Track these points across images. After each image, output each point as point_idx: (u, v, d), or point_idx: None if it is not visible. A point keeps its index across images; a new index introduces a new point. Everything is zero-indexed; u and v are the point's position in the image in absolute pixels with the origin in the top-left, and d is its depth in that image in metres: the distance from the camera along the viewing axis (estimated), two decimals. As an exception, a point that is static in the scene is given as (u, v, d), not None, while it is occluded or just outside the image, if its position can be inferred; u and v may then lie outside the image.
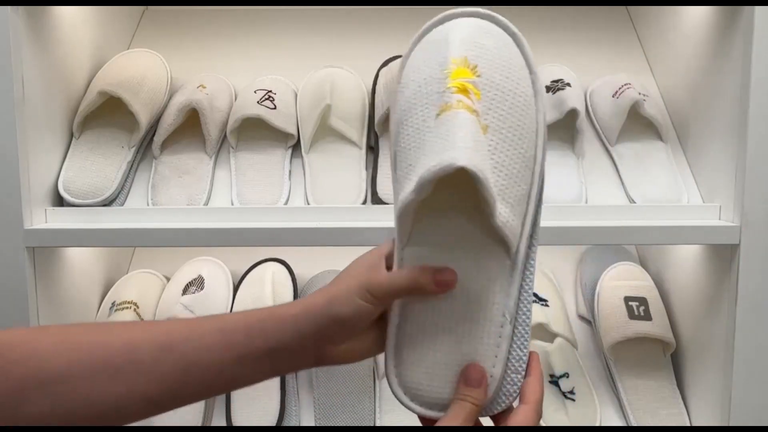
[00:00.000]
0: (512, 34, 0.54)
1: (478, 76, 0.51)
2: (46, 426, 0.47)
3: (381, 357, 0.96)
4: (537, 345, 1.00)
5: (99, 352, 0.48)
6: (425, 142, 0.50)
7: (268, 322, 0.51)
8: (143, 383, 0.49)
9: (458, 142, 0.47)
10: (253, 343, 0.50)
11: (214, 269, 1.05)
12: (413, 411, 0.53)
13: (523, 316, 0.52)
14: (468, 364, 0.51)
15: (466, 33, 0.53)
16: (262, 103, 0.98)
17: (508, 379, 0.52)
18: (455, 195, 0.51)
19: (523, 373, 0.52)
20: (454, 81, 0.50)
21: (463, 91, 0.50)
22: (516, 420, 0.50)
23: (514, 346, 0.52)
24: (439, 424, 0.50)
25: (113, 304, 1.02)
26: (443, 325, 0.52)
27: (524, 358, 0.52)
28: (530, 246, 0.52)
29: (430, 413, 0.52)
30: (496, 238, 0.50)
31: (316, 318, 0.51)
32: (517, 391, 0.52)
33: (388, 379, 0.53)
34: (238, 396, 0.94)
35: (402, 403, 0.53)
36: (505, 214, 0.49)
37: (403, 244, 0.53)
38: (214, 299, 1.01)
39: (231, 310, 0.99)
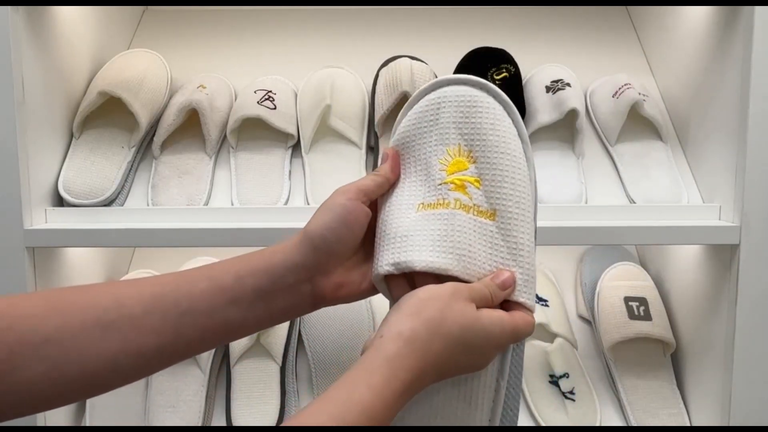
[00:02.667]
0: (503, 103, 0.54)
1: (474, 162, 0.53)
2: (42, 393, 0.46)
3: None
4: (537, 345, 1.00)
5: (89, 310, 0.47)
6: (418, 223, 0.53)
7: (257, 262, 0.52)
8: (136, 337, 0.48)
9: (447, 245, 0.51)
10: (243, 285, 0.50)
11: (214, 269, 1.05)
12: None
13: (516, 374, 0.54)
14: (503, 269, 0.52)
15: (458, 114, 0.54)
16: (262, 104, 0.98)
17: (506, 421, 0.53)
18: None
19: (518, 411, 0.54)
20: (450, 176, 0.53)
21: (460, 187, 0.52)
22: (520, 316, 0.51)
23: (508, 395, 0.54)
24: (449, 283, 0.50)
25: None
26: (442, 390, 0.52)
27: (518, 398, 0.54)
28: None
29: None
30: None
31: (304, 244, 0.52)
32: (516, 421, 0.54)
33: None
34: (238, 396, 0.94)
35: None
36: (532, 291, 0.52)
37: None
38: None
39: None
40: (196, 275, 0.51)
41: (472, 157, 0.53)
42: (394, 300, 0.53)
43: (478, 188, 0.53)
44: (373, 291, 0.56)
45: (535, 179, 0.55)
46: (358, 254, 0.55)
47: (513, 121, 0.54)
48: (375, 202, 0.57)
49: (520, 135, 0.54)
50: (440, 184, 0.53)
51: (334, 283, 0.54)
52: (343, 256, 0.54)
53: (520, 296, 0.52)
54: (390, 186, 0.56)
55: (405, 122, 0.56)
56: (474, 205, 0.52)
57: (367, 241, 0.55)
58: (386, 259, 0.53)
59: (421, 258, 0.51)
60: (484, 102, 0.54)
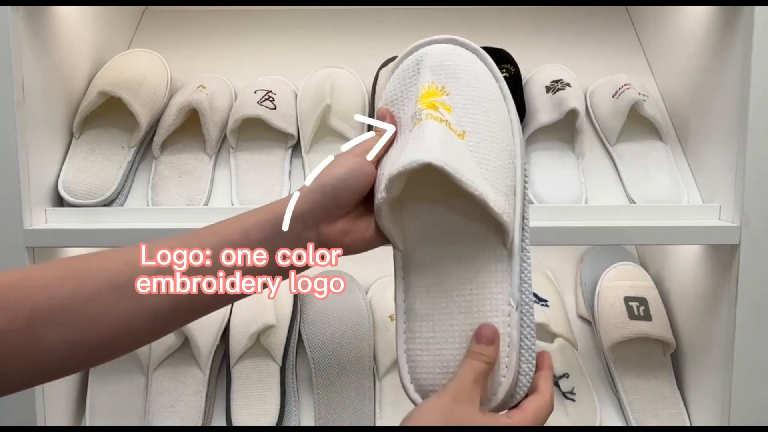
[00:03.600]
0: (474, 51, 0.58)
1: (447, 94, 0.55)
2: (60, 360, 0.48)
3: (381, 358, 0.96)
4: (537, 345, 1.00)
5: (102, 274, 0.49)
6: (398, 154, 0.53)
7: (263, 214, 0.53)
8: (151, 298, 0.49)
9: (426, 143, 0.50)
10: (249, 238, 0.52)
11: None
12: None
13: (526, 306, 0.54)
14: (481, 324, 0.52)
15: (431, 60, 0.57)
16: (262, 104, 0.98)
17: (521, 369, 0.53)
18: (445, 196, 0.54)
19: (534, 362, 0.53)
20: (423, 102, 0.54)
21: (432, 106, 0.54)
22: (531, 407, 0.51)
23: (522, 335, 0.53)
24: (448, 384, 0.51)
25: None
26: (451, 322, 0.53)
27: (533, 347, 0.53)
28: (523, 235, 0.55)
29: None
30: (490, 230, 0.53)
31: (314, 192, 0.53)
32: (530, 381, 0.53)
33: (402, 384, 0.55)
34: (238, 396, 0.94)
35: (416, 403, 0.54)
36: (501, 202, 0.52)
37: (398, 247, 0.56)
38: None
39: (230, 314, 0.99)
40: (203, 233, 0.53)
41: (444, 91, 0.55)
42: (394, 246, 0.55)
43: (450, 112, 0.54)
44: (377, 241, 0.56)
45: (515, 112, 0.56)
46: (360, 208, 0.56)
47: (485, 64, 0.57)
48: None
49: (493, 75, 0.57)
50: (414, 113, 0.54)
51: (340, 230, 0.54)
52: (348, 207, 0.54)
53: None
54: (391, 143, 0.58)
55: (390, 84, 0.59)
56: (445, 120, 0.53)
57: (370, 197, 0.56)
58: (383, 186, 0.53)
59: (409, 158, 0.50)
60: (458, 51, 0.58)
